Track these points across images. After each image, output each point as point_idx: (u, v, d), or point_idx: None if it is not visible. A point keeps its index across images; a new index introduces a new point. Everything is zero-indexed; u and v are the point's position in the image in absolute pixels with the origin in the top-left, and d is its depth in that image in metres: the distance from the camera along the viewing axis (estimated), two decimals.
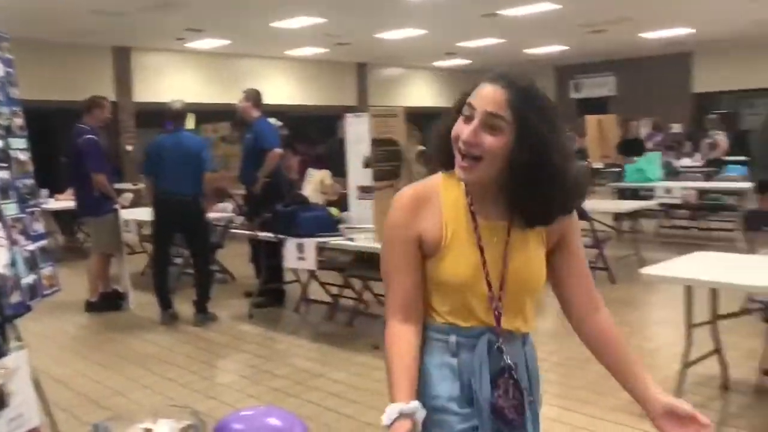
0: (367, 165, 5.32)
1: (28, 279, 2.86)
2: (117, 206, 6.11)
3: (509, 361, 1.48)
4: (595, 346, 1.54)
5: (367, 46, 13.74)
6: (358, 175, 5.86)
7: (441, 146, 1.49)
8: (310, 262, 5.14)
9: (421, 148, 9.63)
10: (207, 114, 10.27)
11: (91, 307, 6.08)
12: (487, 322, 1.48)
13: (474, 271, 1.47)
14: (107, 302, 6.13)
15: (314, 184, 7.82)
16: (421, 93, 18.40)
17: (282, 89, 14.79)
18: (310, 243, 5.09)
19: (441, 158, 1.51)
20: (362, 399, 3.93)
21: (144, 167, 5.89)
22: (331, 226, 5.32)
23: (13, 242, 2.77)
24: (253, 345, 5.15)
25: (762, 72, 14.59)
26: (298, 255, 5.18)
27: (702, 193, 9.32)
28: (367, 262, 5.39)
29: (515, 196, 1.43)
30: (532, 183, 1.38)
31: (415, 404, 1.38)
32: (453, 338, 1.49)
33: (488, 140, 1.37)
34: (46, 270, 3.05)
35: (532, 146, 1.36)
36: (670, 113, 14.38)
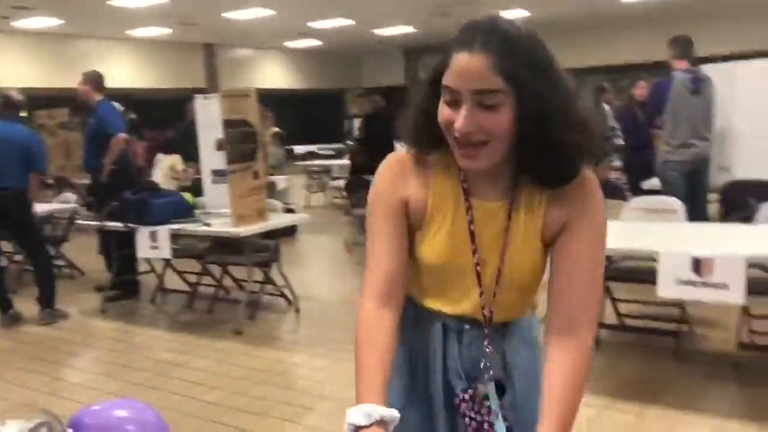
0: (220, 147, 5.22)
1: None
2: None
3: (492, 372, 1.29)
4: (545, 373, 1.20)
5: (214, 26, 13.33)
6: (211, 158, 5.73)
7: (420, 129, 1.24)
8: (164, 250, 4.97)
9: (276, 129, 9.55)
10: (41, 99, 9.57)
11: None
12: (469, 315, 1.32)
13: (455, 257, 1.27)
14: None
15: (164, 169, 7.55)
16: (274, 74, 18.15)
17: (125, 71, 14.03)
18: (164, 231, 4.92)
19: (425, 143, 1.25)
20: (226, 385, 3.88)
21: None
22: (185, 212, 5.17)
23: None
24: (109, 340, 4.92)
25: (590, 52, 15.76)
26: (152, 244, 4.99)
27: None
28: (225, 247, 5.30)
29: (526, 165, 1.20)
30: (543, 148, 1.15)
31: (395, 413, 1.14)
32: (411, 313, 1.34)
33: (488, 121, 1.11)
34: None
35: (538, 110, 1.11)
36: None
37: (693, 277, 3.13)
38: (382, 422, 1.11)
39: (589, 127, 1.17)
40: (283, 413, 3.46)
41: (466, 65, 1.10)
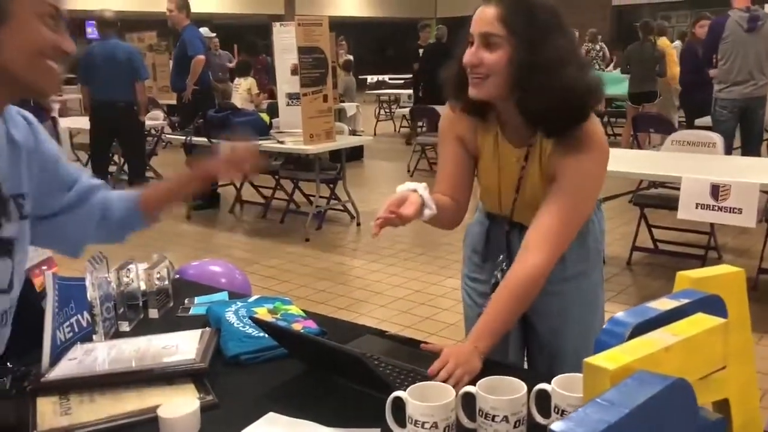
0: (294, 72, 5.68)
1: None
2: (54, 115, 6.28)
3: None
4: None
5: None
6: (285, 82, 6.21)
7: (456, 77, 1.50)
8: None
9: (348, 57, 9.90)
10: (131, 23, 10.22)
11: None
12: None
13: (493, 187, 1.61)
14: None
15: (242, 92, 8.11)
16: (351, 2, 18.38)
17: None
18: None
19: (458, 89, 1.51)
20: (293, 279, 4.48)
21: (79, 77, 6.06)
22: (262, 130, 5.70)
23: None
24: (192, 240, 5.59)
25: None
26: None
27: (609, 101, 10.08)
28: (297, 164, 5.84)
29: (524, 110, 1.43)
30: (535, 91, 1.38)
31: (434, 208, 1.41)
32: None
33: (487, 57, 1.39)
34: None
35: (529, 59, 1.36)
36: (592, 26, 14.99)
37: (710, 201, 3.45)
38: (428, 202, 1.39)
39: (574, 91, 1.38)
40: (341, 303, 4.03)
41: (481, 13, 1.40)
